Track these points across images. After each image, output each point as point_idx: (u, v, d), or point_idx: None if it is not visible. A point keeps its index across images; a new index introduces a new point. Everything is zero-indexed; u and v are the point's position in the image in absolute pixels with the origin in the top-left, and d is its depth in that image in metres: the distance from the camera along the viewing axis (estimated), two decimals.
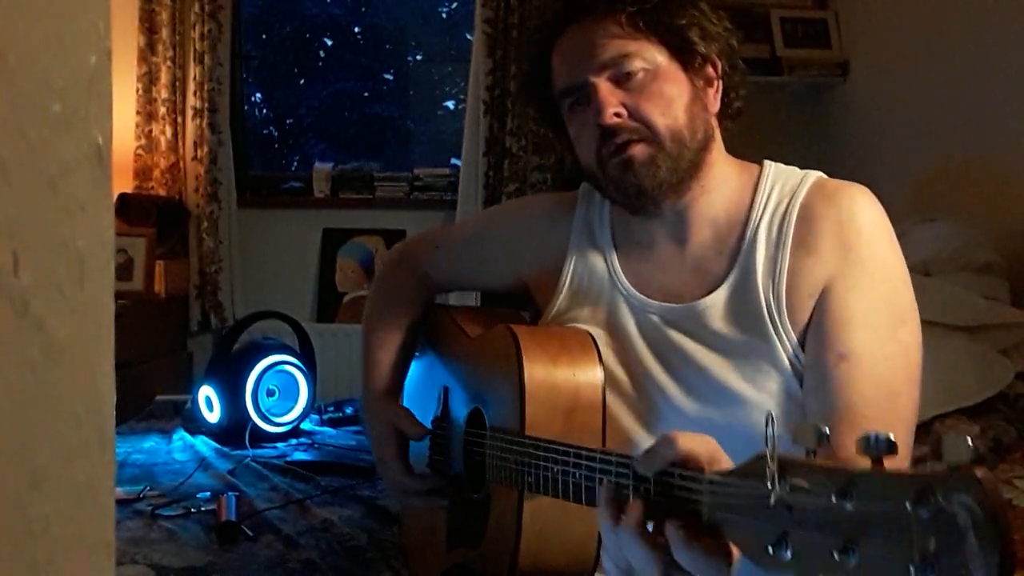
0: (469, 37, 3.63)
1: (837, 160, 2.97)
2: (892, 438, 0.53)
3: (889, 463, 0.53)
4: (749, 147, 1.06)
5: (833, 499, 0.54)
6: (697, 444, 0.71)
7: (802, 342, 0.94)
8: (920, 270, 2.17)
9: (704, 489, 0.67)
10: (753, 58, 3.20)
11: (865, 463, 0.54)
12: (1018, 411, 1.83)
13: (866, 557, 0.52)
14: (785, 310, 0.95)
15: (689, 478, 0.69)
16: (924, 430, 1.71)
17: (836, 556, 0.53)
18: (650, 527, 0.71)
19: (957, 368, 1.86)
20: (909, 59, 2.94)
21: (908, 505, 0.50)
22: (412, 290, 1.30)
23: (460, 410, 1.15)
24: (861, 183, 0.99)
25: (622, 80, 0.98)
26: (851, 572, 0.53)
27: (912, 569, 0.49)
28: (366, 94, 4.59)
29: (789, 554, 0.57)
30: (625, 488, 0.75)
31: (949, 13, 2.73)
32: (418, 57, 4.52)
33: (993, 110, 2.52)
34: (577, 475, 0.84)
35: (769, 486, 0.58)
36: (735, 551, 0.67)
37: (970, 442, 0.50)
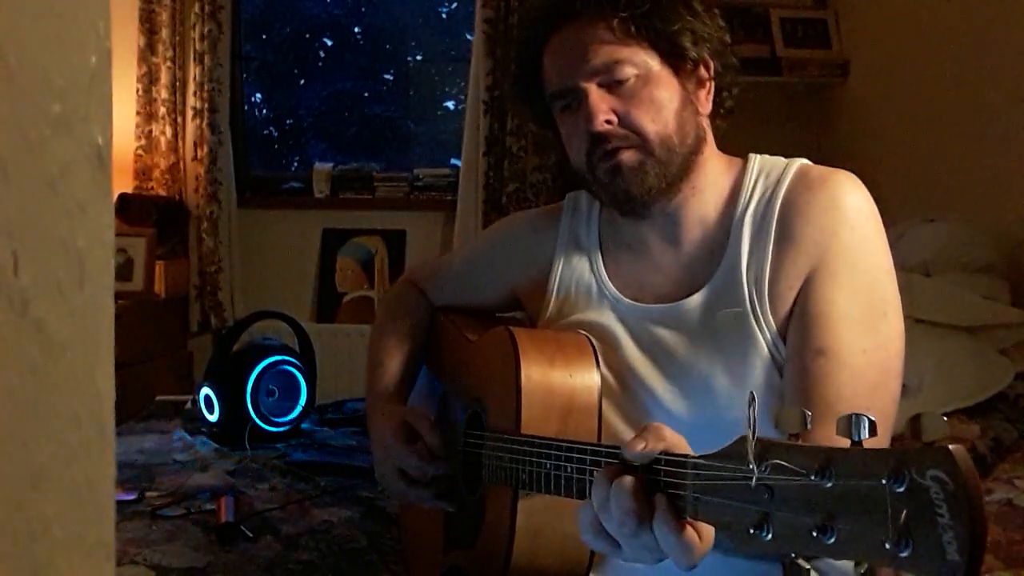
0: (469, 37, 3.63)
1: (837, 160, 2.96)
2: (872, 419, 0.54)
3: (868, 445, 0.54)
4: (748, 147, 1.05)
5: (812, 478, 0.54)
6: (679, 443, 0.73)
7: (783, 333, 0.94)
8: (920, 270, 2.17)
9: (689, 473, 0.67)
10: (753, 58, 3.20)
11: (845, 444, 0.54)
12: (1018, 411, 1.83)
13: (843, 535, 0.53)
14: (767, 302, 0.94)
15: (675, 462, 0.69)
16: None
17: (815, 535, 0.54)
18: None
19: (957, 368, 1.86)
20: (909, 59, 2.94)
21: (883, 481, 0.50)
22: (418, 307, 1.32)
23: (460, 412, 1.15)
24: None
25: (613, 86, 0.97)
26: (829, 551, 0.53)
27: (887, 545, 0.50)
28: (366, 94, 4.59)
29: (770, 535, 0.57)
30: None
31: (949, 13, 2.73)
32: (418, 57, 4.52)
33: (993, 110, 2.52)
34: (569, 469, 0.84)
35: (750, 467, 0.59)
36: (705, 539, 0.68)
37: (945, 419, 0.50)
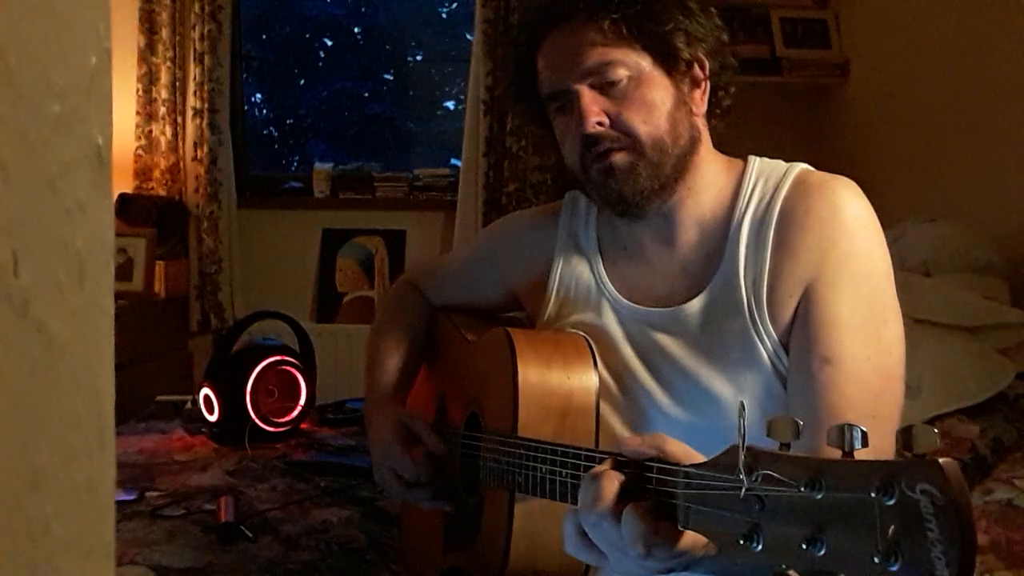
0: (469, 37, 3.63)
1: (837, 160, 2.96)
2: (864, 430, 0.53)
3: (861, 455, 0.53)
4: (748, 148, 1.05)
5: (802, 489, 0.54)
6: (679, 451, 0.72)
7: (784, 341, 0.94)
8: (920, 270, 2.17)
9: (679, 481, 0.67)
10: (753, 58, 3.21)
11: (837, 455, 0.54)
12: (1018, 411, 1.83)
13: (833, 547, 0.52)
14: (766, 310, 0.94)
15: (666, 470, 0.69)
16: None
17: (804, 547, 0.53)
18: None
19: (957, 368, 1.86)
20: (909, 59, 2.94)
21: (873, 493, 0.50)
22: (417, 307, 1.33)
23: (458, 413, 1.15)
24: (861, 183, 0.97)
25: (605, 87, 0.97)
26: (818, 563, 0.53)
27: (876, 559, 0.49)
28: (366, 94, 4.59)
29: (760, 546, 0.57)
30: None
31: (949, 13, 2.73)
32: (418, 57, 4.52)
33: (993, 110, 2.52)
34: (563, 474, 0.84)
35: (740, 477, 0.59)
36: (681, 544, 0.68)
37: (936, 432, 0.50)
